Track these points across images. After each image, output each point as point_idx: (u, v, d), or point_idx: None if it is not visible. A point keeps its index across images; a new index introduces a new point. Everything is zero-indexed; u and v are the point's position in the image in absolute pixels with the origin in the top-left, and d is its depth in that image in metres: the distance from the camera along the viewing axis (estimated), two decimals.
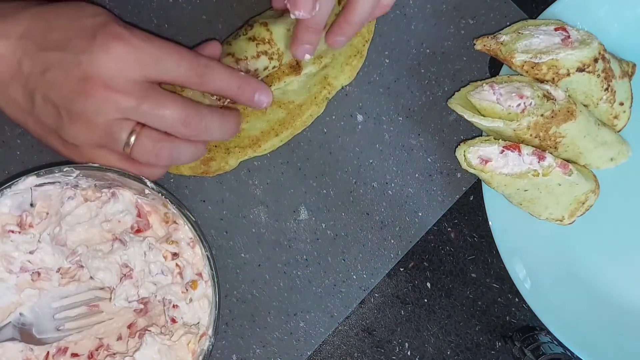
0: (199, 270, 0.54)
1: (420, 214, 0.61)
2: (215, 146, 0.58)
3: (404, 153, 0.62)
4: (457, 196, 0.62)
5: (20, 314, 0.53)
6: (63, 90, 0.47)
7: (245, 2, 0.61)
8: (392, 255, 0.61)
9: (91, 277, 0.53)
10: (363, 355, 0.62)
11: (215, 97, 0.54)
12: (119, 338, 0.55)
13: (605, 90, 0.56)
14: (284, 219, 0.60)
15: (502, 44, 0.57)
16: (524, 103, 0.54)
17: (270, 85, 0.58)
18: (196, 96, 0.54)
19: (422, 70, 0.62)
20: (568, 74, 0.55)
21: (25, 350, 0.52)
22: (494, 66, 0.62)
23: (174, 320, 0.53)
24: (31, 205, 0.53)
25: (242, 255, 0.60)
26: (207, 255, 0.52)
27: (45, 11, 0.49)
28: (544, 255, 0.60)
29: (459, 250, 0.62)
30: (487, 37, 0.58)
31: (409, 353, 0.62)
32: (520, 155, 0.55)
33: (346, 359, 0.62)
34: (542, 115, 0.53)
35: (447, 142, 0.62)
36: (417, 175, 0.62)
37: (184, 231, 0.54)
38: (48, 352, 0.53)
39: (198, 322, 0.54)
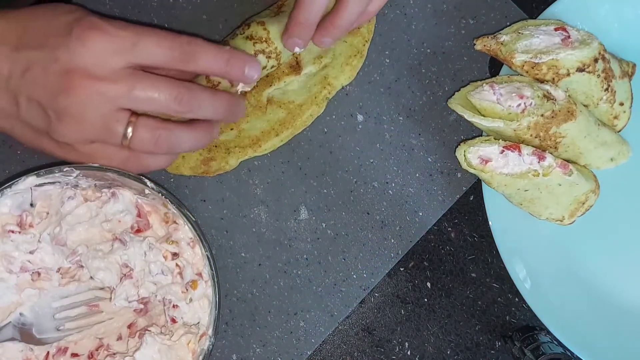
0: (199, 270, 0.54)
1: (420, 214, 0.61)
2: (216, 146, 0.58)
3: (404, 153, 0.62)
4: (457, 196, 0.62)
5: (20, 314, 0.53)
6: (45, 88, 0.46)
7: (245, 2, 0.61)
8: (392, 254, 0.61)
9: (91, 277, 0.53)
10: (363, 354, 0.62)
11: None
12: (119, 338, 0.55)
13: (605, 91, 0.56)
14: (284, 218, 0.60)
15: (502, 44, 0.57)
16: (524, 103, 0.54)
17: (271, 85, 0.58)
18: None
19: (423, 70, 0.62)
20: (568, 74, 0.55)
21: (25, 350, 0.52)
22: (494, 66, 0.62)
23: (174, 320, 0.53)
24: (31, 205, 0.53)
25: (243, 254, 0.60)
26: (207, 255, 0.52)
27: (20, 15, 0.49)
28: (544, 255, 0.60)
29: (459, 250, 0.62)
30: (488, 37, 0.58)
31: (409, 352, 0.62)
32: (520, 155, 0.55)
33: (346, 359, 0.62)
34: (542, 115, 0.53)
35: (448, 142, 0.62)
36: (417, 175, 0.62)
37: (184, 231, 0.54)
38: (48, 352, 0.53)
39: (198, 322, 0.54)
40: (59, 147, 0.49)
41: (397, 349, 0.62)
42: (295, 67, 0.58)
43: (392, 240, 0.61)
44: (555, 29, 0.56)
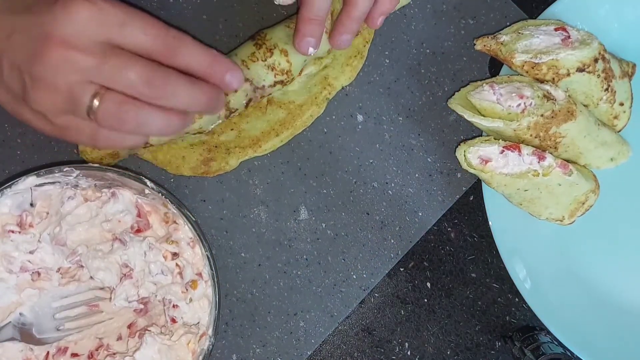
0: (199, 270, 0.54)
1: (420, 214, 0.61)
2: (216, 146, 0.58)
3: (404, 153, 0.62)
4: (457, 196, 0.62)
5: (20, 313, 0.53)
6: (25, 52, 0.45)
7: (245, 2, 0.61)
8: (392, 255, 0.61)
9: (91, 277, 0.53)
10: (363, 355, 0.62)
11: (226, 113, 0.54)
12: (119, 338, 0.55)
13: (605, 91, 0.56)
14: (284, 218, 0.60)
15: (502, 44, 0.57)
16: (524, 103, 0.54)
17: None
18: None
19: (422, 70, 0.62)
20: (568, 74, 0.55)
21: (25, 350, 0.53)
22: (494, 66, 0.62)
23: (174, 320, 0.53)
24: (31, 205, 0.53)
25: (242, 254, 0.60)
26: (207, 255, 0.52)
27: None
28: (544, 255, 0.60)
29: (459, 250, 0.62)
30: (487, 37, 0.58)
31: (409, 353, 0.62)
32: (520, 155, 0.55)
33: (346, 359, 0.62)
34: (542, 115, 0.53)
35: (447, 142, 0.62)
36: (417, 175, 0.62)
37: (184, 231, 0.54)
38: (48, 352, 0.53)
39: (198, 322, 0.54)
40: (35, 117, 0.48)
41: (397, 349, 0.62)
42: None
43: (392, 241, 0.61)
44: (555, 29, 0.56)
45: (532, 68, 0.55)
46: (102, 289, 0.54)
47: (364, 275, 0.61)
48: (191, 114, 0.50)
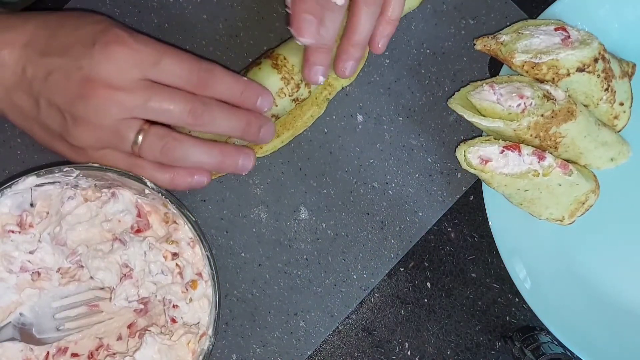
0: (199, 270, 0.54)
1: (420, 214, 0.61)
2: None
3: (404, 153, 0.62)
4: (457, 196, 0.62)
5: (20, 313, 0.53)
6: (66, 94, 0.48)
7: (245, 2, 0.61)
8: (392, 255, 0.61)
9: (91, 277, 0.53)
10: (363, 355, 0.62)
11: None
12: (119, 338, 0.55)
13: (605, 91, 0.56)
14: (284, 218, 0.60)
15: (502, 44, 0.57)
16: (524, 103, 0.54)
17: None
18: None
19: (423, 71, 0.62)
20: (568, 74, 0.55)
21: (25, 350, 0.53)
22: (494, 66, 0.62)
23: (174, 320, 0.53)
24: (31, 205, 0.53)
25: (243, 254, 0.60)
26: (207, 255, 0.52)
27: (49, 20, 0.51)
28: (544, 255, 0.60)
29: (459, 250, 0.62)
30: (487, 37, 0.58)
31: (409, 353, 0.62)
32: (520, 155, 0.55)
33: (346, 359, 0.62)
34: (542, 115, 0.53)
35: (447, 142, 0.62)
36: (417, 175, 0.62)
37: (184, 231, 0.54)
38: (48, 352, 0.53)
39: (198, 322, 0.54)
40: (71, 150, 0.51)
41: (397, 350, 0.62)
42: None
43: (392, 241, 0.61)
44: (555, 29, 0.56)
45: (532, 68, 0.55)
46: (102, 289, 0.54)
47: (364, 275, 0.61)
48: (240, 151, 0.54)
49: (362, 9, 0.52)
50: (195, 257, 0.54)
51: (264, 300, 0.60)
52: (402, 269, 0.62)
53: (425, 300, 0.62)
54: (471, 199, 0.63)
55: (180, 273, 0.54)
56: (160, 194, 0.52)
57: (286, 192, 0.61)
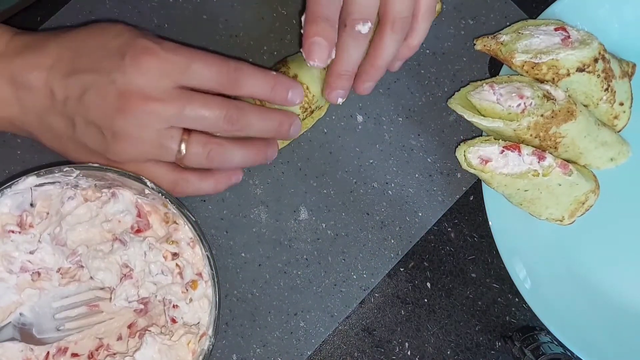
0: (199, 270, 0.54)
1: (420, 214, 0.61)
2: None
3: (404, 153, 0.62)
4: (457, 196, 0.62)
5: (21, 314, 0.53)
6: (102, 110, 0.48)
7: (245, 2, 0.61)
8: (392, 255, 0.61)
9: (91, 277, 0.53)
10: (363, 355, 0.62)
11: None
12: (119, 338, 0.55)
13: (605, 91, 0.56)
14: (284, 218, 0.60)
15: (502, 44, 0.57)
16: (524, 103, 0.54)
17: None
18: None
19: (422, 71, 0.62)
20: (568, 74, 0.55)
21: (25, 350, 0.52)
22: (494, 66, 0.62)
23: (174, 320, 0.53)
24: (31, 205, 0.53)
25: (243, 254, 0.60)
26: (207, 255, 0.52)
27: (71, 39, 0.50)
28: (544, 255, 0.60)
29: (459, 250, 0.62)
30: (487, 37, 0.58)
31: (409, 353, 0.62)
32: (520, 155, 0.55)
33: (346, 359, 0.62)
34: (542, 115, 0.53)
35: (447, 142, 0.62)
36: (417, 175, 0.62)
37: (184, 231, 0.54)
38: (48, 352, 0.53)
39: (198, 322, 0.54)
40: (110, 165, 0.51)
41: (397, 350, 0.62)
42: None
43: (392, 241, 0.61)
44: (555, 29, 0.56)
45: (532, 68, 0.55)
46: (102, 289, 0.54)
47: (364, 275, 0.61)
48: (271, 144, 0.55)
49: (388, 35, 0.52)
50: (195, 257, 0.54)
51: (264, 300, 0.60)
52: (402, 269, 0.62)
53: (425, 300, 0.62)
54: (471, 199, 0.63)
55: (180, 273, 0.54)
56: (160, 194, 0.52)
57: (286, 192, 0.61)
